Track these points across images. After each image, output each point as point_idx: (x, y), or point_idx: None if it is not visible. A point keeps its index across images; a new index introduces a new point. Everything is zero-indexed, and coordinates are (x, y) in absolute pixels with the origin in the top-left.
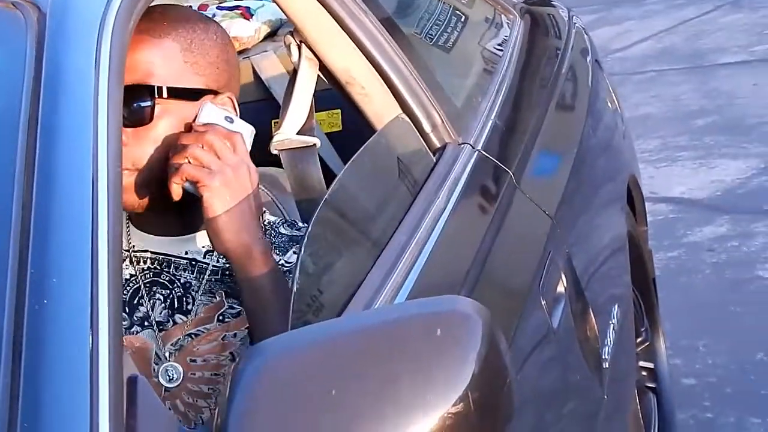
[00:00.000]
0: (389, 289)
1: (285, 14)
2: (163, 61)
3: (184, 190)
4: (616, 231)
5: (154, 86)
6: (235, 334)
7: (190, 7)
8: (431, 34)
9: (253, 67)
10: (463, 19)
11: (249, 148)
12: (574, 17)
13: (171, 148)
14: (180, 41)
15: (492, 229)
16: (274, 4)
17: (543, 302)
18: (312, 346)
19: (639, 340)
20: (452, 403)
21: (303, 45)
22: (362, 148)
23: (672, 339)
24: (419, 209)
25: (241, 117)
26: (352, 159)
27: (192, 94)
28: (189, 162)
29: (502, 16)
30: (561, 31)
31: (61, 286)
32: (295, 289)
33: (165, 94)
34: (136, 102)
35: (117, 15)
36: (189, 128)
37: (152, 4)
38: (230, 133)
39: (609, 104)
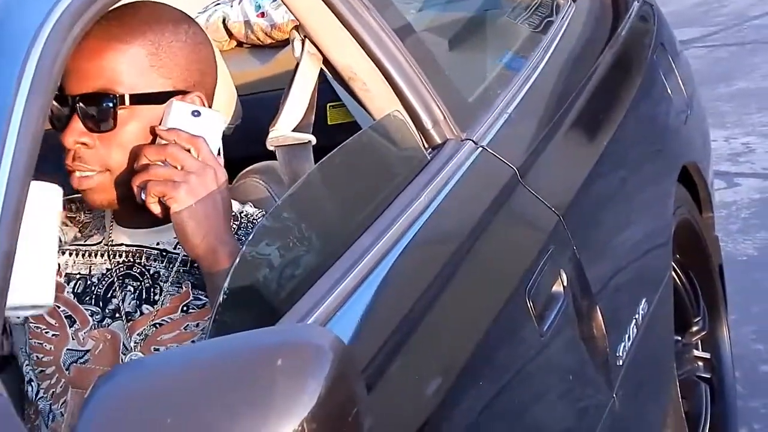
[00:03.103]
0: (337, 296)
1: (288, 9)
2: (128, 68)
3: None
4: (655, 223)
5: (116, 95)
6: (197, 324)
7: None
8: (460, 23)
9: None
10: (500, 6)
11: (220, 134)
12: None
13: (136, 153)
14: (146, 46)
15: (477, 230)
16: None
17: (529, 304)
18: (154, 374)
19: (694, 329)
20: None
21: (306, 40)
22: (339, 146)
23: (760, 323)
24: (396, 209)
25: None
26: (324, 157)
27: (158, 98)
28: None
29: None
30: (619, 15)
31: None
32: (221, 299)
33: (128, 102)
34: (100, 109)
35: (54, 26)
36: (154, 132)
37: (124, 3)
38: (192, 137)
39: (669, 90)
